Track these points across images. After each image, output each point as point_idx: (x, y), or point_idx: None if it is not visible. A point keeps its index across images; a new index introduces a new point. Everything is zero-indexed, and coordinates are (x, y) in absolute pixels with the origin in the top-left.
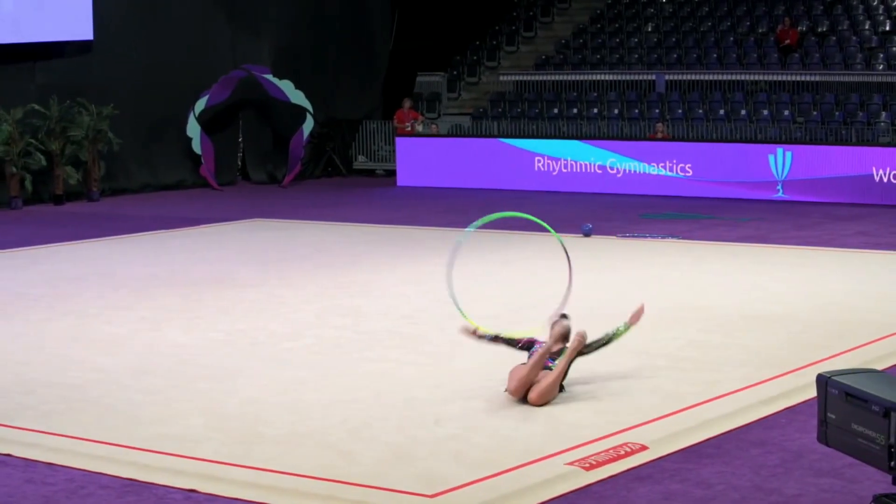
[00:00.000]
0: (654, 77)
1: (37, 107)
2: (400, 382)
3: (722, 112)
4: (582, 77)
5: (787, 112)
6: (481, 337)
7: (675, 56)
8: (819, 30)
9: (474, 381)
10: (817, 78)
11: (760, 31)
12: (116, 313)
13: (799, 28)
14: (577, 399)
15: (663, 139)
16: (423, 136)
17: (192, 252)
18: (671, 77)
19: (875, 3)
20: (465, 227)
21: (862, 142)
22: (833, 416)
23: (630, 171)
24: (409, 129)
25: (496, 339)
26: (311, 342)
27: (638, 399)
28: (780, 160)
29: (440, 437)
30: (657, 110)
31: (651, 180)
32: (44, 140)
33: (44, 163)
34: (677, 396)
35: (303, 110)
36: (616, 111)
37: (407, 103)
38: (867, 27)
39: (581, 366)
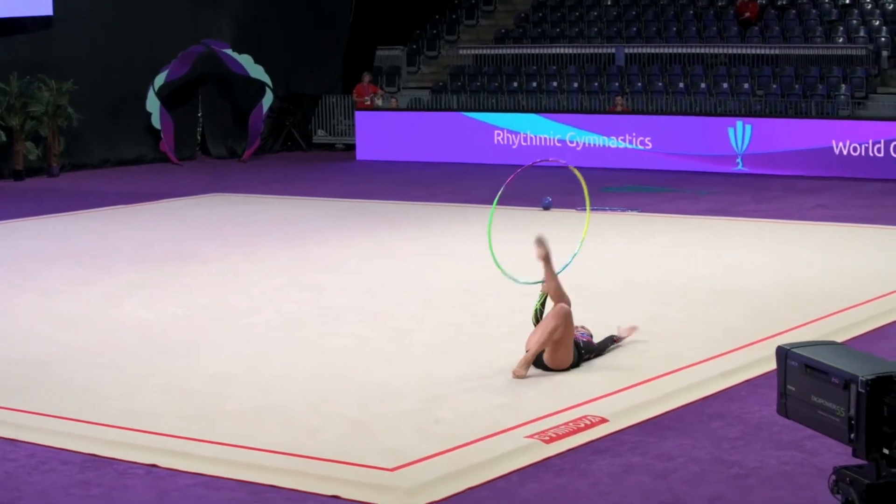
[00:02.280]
0: (613, 50)
1: None
2: (361, 357)
3: (681, 85)
4: (541, 51)
5: (746, 85)
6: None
7: (634, 29)
8: (779, 3)
9: (435, 356)
10: (777, 51)
11: (720, 4)
12: (78, 289)
13: (759, 1)
14: (537, 372)
15: (623, 112)
16: (382, 110)
17: (153, 227)
18: (630, 50)
19: None
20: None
21: (821, 115)
22: (793, 389)
23: (590, 144)
24: (369, 102)
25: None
26: (273, 317)
27: (597, 372)
28: (740, 133)
29: (401, 411)
30: (617, 83)
31: (611, 153)
32: (3, 116)
33: (3, 138)
34: (637, 369)
35: (262, 85)
36: (575, 84)
37: (366, 77)
38: (827, 0)
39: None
